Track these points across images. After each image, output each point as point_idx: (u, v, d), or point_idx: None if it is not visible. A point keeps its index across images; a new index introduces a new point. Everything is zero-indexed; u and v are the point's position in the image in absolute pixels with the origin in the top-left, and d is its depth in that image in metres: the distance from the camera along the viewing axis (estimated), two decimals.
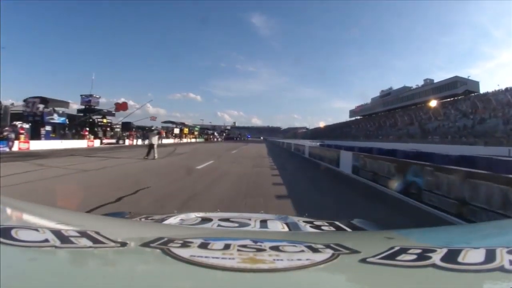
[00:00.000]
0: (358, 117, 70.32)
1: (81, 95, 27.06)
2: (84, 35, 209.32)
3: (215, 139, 60.77)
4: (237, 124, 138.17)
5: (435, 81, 46.84)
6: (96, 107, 28.46)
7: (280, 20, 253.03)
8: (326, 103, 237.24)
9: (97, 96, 28.24)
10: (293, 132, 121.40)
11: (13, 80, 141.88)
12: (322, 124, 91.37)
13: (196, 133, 53.49)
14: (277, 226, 1.14)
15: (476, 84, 40.91)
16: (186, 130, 46.89)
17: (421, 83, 49.70)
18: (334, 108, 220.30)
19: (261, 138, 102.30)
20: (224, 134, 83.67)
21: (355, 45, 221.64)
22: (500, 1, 73.69)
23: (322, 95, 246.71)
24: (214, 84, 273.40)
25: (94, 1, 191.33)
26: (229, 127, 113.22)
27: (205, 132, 63.33)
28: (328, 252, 0.48)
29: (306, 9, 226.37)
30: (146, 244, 0.49)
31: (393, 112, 52.19)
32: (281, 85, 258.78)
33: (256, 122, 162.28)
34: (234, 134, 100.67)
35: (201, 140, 50.79)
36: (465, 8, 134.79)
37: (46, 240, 0.45)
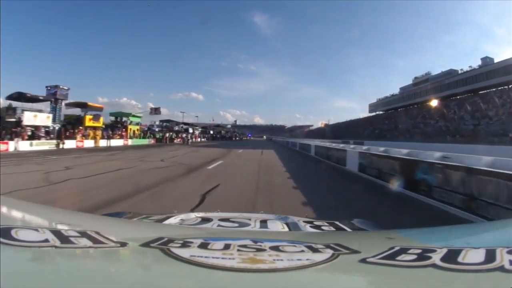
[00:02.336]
0: (380, 112, 57.19)
1: (46, 87, 21.56)
2: (86, 35, 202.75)
3: (186, 141, 31.75)
4: (239, 123, 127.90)
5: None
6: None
7: (281, 20, 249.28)
8: (328, 103, 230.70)
9: (65, 88, 22.46)
10: (299, 131, 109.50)
11: (12, 80, 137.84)
12: (322, 124, 76.75)
13: (134, 128, 27.70)
14: (277, 226, 1.12)
15: None
16: (88, 120, 21.60)
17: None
18: (336, 107, 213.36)
19: (264, 137, 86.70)
20: (212, 132, 54.46)
21: (357, 44, 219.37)
22: (501, 0, 67.58)
23: (324, 94, 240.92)
24: (216, 83, 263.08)
25: (96, 0, 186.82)
26: (229, 126, 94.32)
27: (166, 126, 36.81)
28: (328, 252, 0.47)
29: (308, 8, 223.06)
30: (146, 244, 0.48)
31: (447, 101, 37.87)
32: (283, 85, 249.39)
33: (259, 121, 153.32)
34: (228, 132, 70.05)
35: (142, 142, 26.31)
36: (467, 7, 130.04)
37: (46, 240, 0.45)
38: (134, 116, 29.91)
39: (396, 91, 53.12)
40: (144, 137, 29.44)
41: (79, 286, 0.36)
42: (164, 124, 38.95)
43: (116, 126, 26.54)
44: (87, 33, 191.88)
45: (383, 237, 0.65)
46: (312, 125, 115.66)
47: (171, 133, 33.85)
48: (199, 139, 42.59)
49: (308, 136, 72.20)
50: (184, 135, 34.51)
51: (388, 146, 9.06)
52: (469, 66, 37.47)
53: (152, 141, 29.40)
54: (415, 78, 47.75)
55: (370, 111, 60.98)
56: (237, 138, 63.82)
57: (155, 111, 32.76)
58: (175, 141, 32.55)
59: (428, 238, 0.64)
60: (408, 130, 34.82)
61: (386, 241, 0.56)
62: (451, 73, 40.57)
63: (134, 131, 28.19)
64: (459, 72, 39.04)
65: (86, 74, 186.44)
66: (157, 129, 36.54)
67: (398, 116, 45.34)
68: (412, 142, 21.86)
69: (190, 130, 42.85)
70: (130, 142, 25.49)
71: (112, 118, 27.95)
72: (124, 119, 28.28)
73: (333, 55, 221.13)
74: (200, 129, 50.90)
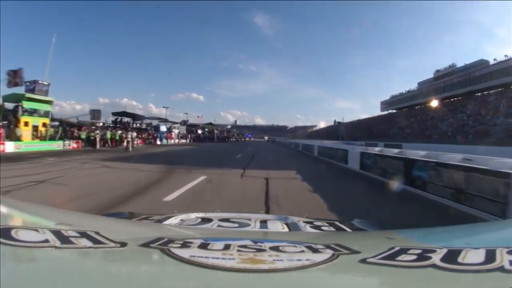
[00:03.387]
0: (392, 111, 50.25)
1: (24, 82, 16.75)
2: (86, 36, 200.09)
3: (127, 146, 15.96)
4: (240, 124, 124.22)
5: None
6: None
7: (282, 20, 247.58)
8: (330, 103, 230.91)
9: (45, 83, 17.56)
10: (302, 131, 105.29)
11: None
12: (322, 125, 68.89)
13: (36, 122, 15.73)
14: (277, 226, 1.12)
15: None
16: None
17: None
18: (337, 107, 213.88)
19: (265, 138, 79.30)
20: (200, 132, 43.73)
21: (358, 45, 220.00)
22: (502, 1, 66.40)
23: (326, 94, 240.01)
24: (216, 84, 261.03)
25: (96, 1, 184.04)
26: (229, 126, 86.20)
27: (120, 122, 25.97)
28: (328, 253, 0.47)
29: (309, 8, 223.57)
30: (146, 244, 0.49)
31: (486, 96, 30.92)
32: (284, 85, 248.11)
33: (260, 122, 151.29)
34: (223, 132, 57.91)
35: (44, 148, 14.39)
36: (467, 7, 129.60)
37: (46, 240, 0.45)
38: (33, 100, 16.11)
39: (399, 90, 49.97)
40: (53, 139, 16.40)
41: (79, 286, 0.36)
42: (118, 119, 25.93)
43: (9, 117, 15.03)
44: (88, 33, 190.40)
45: (383, 237, 0.65)
46: (315, 125, 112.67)
47: (120, 132, 20.43)
48: (176, 141, 31.67)
49: (312, 137, 66.42)
50: (129, 135, 17.19)
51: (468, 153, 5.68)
52: (505, 55, 30.86)
53: (73, 145, 16.99)
54: (437, 71, 40.48)
55: (382, 109, 53.72)
56: (232, 140, 51.80)
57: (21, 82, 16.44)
58: (124, 144, 17.42)
59: (428, 238, 0.64)
60: (461, 129, 25.81)
61: (386, 241, 0.56)
62: (481, 64, 33.46)
63: (37, 126, 15.84)
64: (491, 63, 32.19)
65: (87, 75, 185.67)
66: (111, 125, 24.42)
67: (426, 113, 36.37)
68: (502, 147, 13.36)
69: (163, 129, 31.06)
70: (12, 146, 13.01)
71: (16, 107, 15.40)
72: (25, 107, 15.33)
73: (334, 55, 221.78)
74: (184, 128, 39.75)
